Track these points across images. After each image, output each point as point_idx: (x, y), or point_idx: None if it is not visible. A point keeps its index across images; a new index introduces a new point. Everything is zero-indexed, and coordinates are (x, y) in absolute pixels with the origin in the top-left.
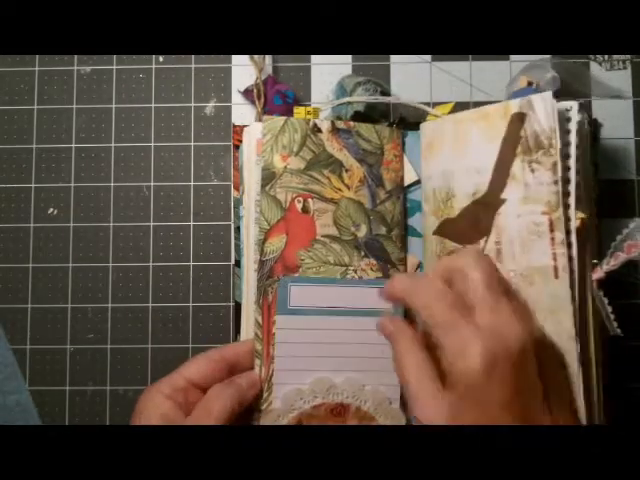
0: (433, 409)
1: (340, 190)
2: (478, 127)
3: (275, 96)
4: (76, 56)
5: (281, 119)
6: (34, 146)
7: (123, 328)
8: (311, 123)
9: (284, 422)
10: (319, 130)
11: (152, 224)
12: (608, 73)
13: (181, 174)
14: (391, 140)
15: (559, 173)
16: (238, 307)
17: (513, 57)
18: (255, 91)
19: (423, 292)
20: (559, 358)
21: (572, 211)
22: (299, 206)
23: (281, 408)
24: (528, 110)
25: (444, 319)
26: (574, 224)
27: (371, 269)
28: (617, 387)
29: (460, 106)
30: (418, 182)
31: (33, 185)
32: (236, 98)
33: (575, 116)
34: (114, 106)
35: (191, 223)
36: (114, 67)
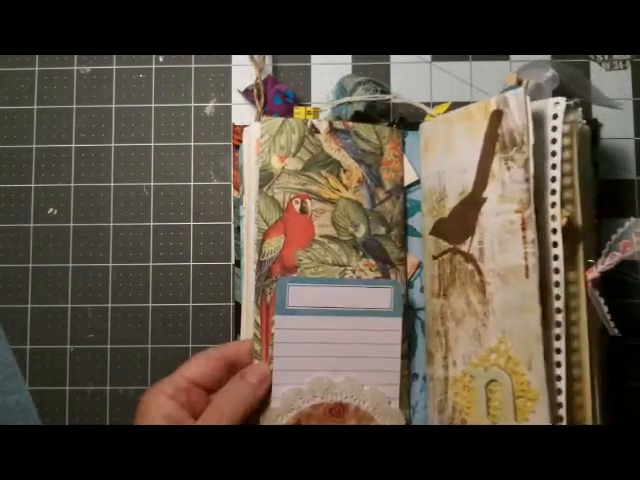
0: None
1: (338, 190)
2: (463, 126)
3: (275, 96)
4: (76, 56)
5: (279, 120)
6: (34, 146)
7: (123, 328)
8: (309, 124)
9: (283, 422)
10: (317, 131)
11: (152, 224)
12: (608, 73)
13: (181, 174)
14: (391, 140)
15: (531, 171)
16: (238, 307)
17: (513, 57)
18: (255, 91)
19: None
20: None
21: (557, 209)
22: (297, 207)
23: (280, 408)
24: (504, 107)
25: None
26: (559, 223)
27: (370, 269)
28: (617, 387)
29: (460, 106)
30: (418, 182)
31: (33, 185)
32: (236, 98)
33: (562, 112)
34: (114, 106)
35: (191, 223)
36: (114, 67)
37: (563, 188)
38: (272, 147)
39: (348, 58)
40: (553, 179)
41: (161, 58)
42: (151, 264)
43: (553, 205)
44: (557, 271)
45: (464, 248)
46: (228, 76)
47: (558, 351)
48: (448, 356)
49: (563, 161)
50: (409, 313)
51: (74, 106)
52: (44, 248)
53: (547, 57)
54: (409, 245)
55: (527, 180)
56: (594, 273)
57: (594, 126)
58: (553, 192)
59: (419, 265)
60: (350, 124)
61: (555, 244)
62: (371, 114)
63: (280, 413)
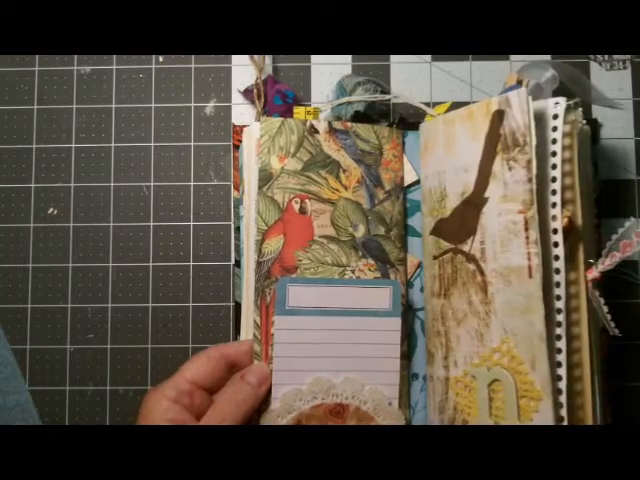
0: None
1: (337, 191)
2: (464, 126)
3: (275, 96)
4: (76, 56)
5: (278, 120)
6: (34, 146)
7: (123, 328)
8: (308, 124)
9: (283, 423)
10: (316, 131)
11: (152, 224)
12: (608, 73)
13: (181, 174)
14: (390, 140)
15: (534, 171)
16: (238, 307)
17: (513, 57)
18: (255, 91)
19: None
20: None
21: (558, 209)
22: (296, 207)
23: (280, 409)
24: (506, 107)
25: None
26: (560, 223)
27: (369, 269)
28: (617, 387)
29: (460, 106)
30: (418, 182)
31: (33, 185)
32: (236, 98)
33: (562, 112)
34: (114, 106)
35: (191, 223)
36: (114, 67)
37: (563, 188)
38: (271, 147)
39: (348, 58)
40: (553, 179)
41: (161, 58)
42: (151, 264)
43: (554, 205)
44: (558, 271)
45: (465, 248)
46: (228, 76)
47: (559, 351)
48: (449, 356)
49: (563, 161)
50: (409, 313)
51: (74, 106)
52: (44, 248)
53: (547, 57)
54: (409, 245)
55: (530, 180)
56: (594, 273)
57: (594, 126)
58: (554, 192)
59: (419, 265)
60: (349, 124)
61: (556, 244)
62: (371, 114)
63: (280, 414)
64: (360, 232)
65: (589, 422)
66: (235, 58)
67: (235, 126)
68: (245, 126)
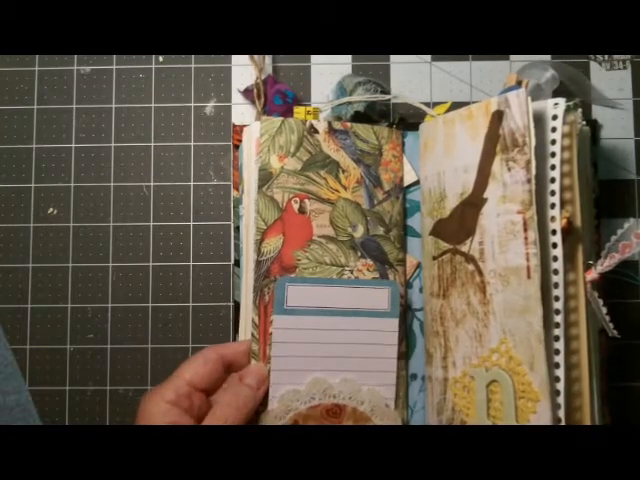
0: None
1: (337, 191)
2: (464, 126)
3: (275, 96)
4: (76, 56)
5: (278, 120)
6: (34, 146)
7: (123, 328)
8: (307, 124)
9: (281, 424)
10: (316, 131)
11: (152, 224)
12: (608, 73)
13: (181, 174)
14: (390, 140)
15: (533, 171)
16: (238, 307)
17: (513, 57)
18: (255, 91)
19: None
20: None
21: (557, 210)
22: (296, 206)
23: (277, 409)
24: (505, 108)
25: None
26: (559, 224)
27: (368, 269)
28: (616, 387)
29: (460, 106)
30: (418, 182)
31: (33, 185)
32: (236, 98)
33: (561, 113)
34: (114, 106)
35: (191, 223)
36: (114, 67)
37: (562, 189)
38: (271, 147)
39: (348, 58)
40: (552, 180)
41: (161, 58)
42: (151, 264)
43: (552, 206)
44: (556, 272)
45: (464, 248)
46: (228, 76)
47: (557, 352)
48: (448, 356)
49: (562, 162)
50: (408, 314)
51: (74, 106)
52: (44, 248)
53: (547, 57)
54: (408, 246)
55: (529, 181)
56: (593, 274)
57: (594, 127)
58: (552, 193)
59: (418, 266)
60: (349, 124)
61: (554, 245)
62: (371, 114)
63: (278, 414)
64: (359, 232)
65: (587, 423)
66: (235, 58)
67: (235, 126)
68: (245, 126)
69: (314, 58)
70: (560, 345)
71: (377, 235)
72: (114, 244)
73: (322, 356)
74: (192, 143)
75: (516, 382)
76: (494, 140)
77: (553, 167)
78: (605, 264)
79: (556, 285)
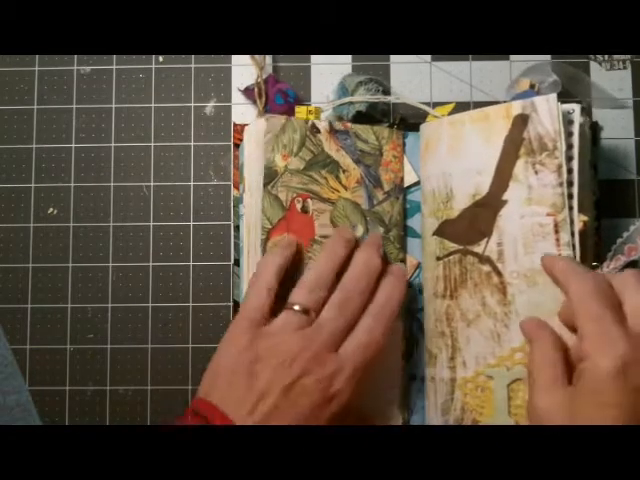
0: (551, 398)
1: (337, 191)
2: (477, 128)
3: (276, 95)
4: (76, 56)
5: (282, 118)
6: (34, 146)
7: (123, 328)
8: (309, 124)
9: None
10: (318, 131)
11: (152, 224)
12: (608, 73)
13: (181, 174)
14: (390, 141)
15: (564, 175)
16: (237, 306)
17: (513, 57)
18: (256, 90)
19: (585, 282)
20: None
21: (575, 213)
22: (299, 206)
23: None
24: (531, 112)
25: (598, 313)
26: (577, 226)
27: None
28: None
29: (460, 106)
30: (418, 183)
31: (33, 185)
32: (236, 98)
33: (578, 119)
34: (114, 106)
35: (191, 223)
36: (114, 67)
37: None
38: (276, 145)
39: (348, 58)
40: (570, 183)
41: (161, 58)
42: (151, 264)
43: (571, 209)
44: None
45: (478, 249)
46: (228, 76)
47: None
48: (456, 357)
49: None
50: (407, 314)
51: (74, 106)
52: (44, 248)
53: (547, 57)
54: (408, 246)
55: (561, 185)
56: None
57: (594, 129)
58: (570, 196)
59: (418, 266)
60: (349, 125)
61: (573, 247)
62: (373, 114)
63: None
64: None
65: None
66: (235, 58)
67: (236, 125)
68: (246, 125)
69: (314, 58)
70: None
71: None
72: (114, 244)
73: None
74: (192, 143)
75: None
76: (517, 143)
77: (570, 171)
78: (611, 266)
79: None
